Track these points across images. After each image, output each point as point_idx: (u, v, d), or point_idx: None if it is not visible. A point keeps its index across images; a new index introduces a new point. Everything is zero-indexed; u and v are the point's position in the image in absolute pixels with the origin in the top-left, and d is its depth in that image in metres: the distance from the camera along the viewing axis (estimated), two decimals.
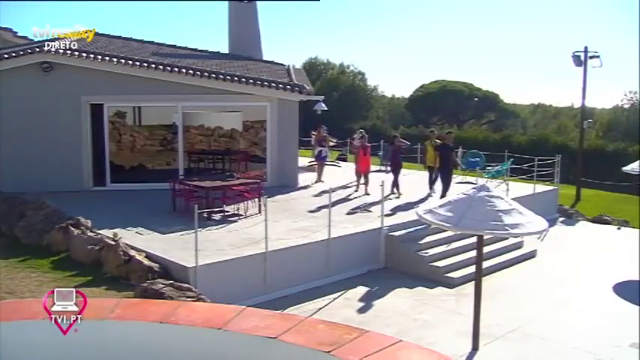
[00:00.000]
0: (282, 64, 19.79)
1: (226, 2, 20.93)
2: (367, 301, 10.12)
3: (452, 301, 10.23)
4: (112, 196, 14.86)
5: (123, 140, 17.33)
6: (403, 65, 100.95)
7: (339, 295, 10.27)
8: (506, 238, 12.48)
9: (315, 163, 18.40)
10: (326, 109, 23.47)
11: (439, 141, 15.80)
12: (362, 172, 15.85)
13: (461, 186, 14.72)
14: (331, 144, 25.74)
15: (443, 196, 13.77)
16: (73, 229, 10.72)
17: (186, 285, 8.78)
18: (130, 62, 15.41)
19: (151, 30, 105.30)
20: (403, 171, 16.37)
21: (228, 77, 15.88)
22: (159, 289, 8.35)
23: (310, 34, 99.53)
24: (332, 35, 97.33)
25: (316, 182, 17.23)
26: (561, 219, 17.30)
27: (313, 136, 20.12)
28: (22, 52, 14.99)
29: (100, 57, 15.19)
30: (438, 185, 15.39)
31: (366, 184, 15.72)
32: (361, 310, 9.65)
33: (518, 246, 13.25)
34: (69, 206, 12.14)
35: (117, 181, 16.13)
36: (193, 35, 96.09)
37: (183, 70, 15.65)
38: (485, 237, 8.30)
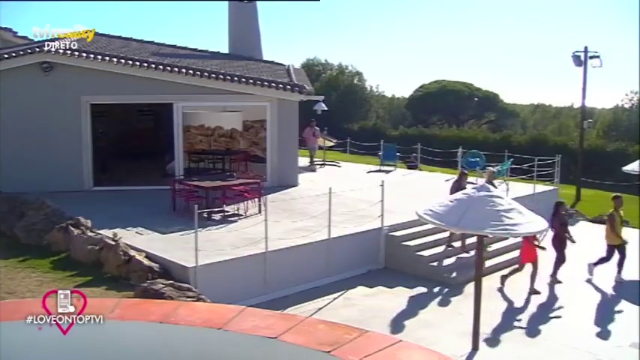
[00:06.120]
0: (282, 64, 19.76)
1: (226, 2, 20.94)
2: (367, 301, 10.11)
3: (452, 301, 10.22)
4: (111, 196, 14.84)
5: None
6: (403, 65, 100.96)
7: (339, 295, 10.26)
8: (507, 238, 12.47)
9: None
10: (326, 109, 23.45)
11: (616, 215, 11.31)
12: (530, 262, 10.77)
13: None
14: (330, 144, 25.80)
15: None
16: (73, 229, 10.70)
17: (186, 285, 8.79)
18: (130, 62, 15.38)
19: (151, 30, 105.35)
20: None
21: (228, 77, 15.85)
22: (159, 289, 8.35)
23: (309, 34, 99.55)
24: (331, 35, 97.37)
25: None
26: None
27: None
28: (22, 52, 14.95)
29: (100, 57, 15.17)
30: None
31: (533, 277, 10.72)
32: (361, 310, 9.63)
33: (518, 246, 13.20)
34: (69, 206, 12.12)
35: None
36: (193, 35, 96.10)
37: (184, 70, 15.62)
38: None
